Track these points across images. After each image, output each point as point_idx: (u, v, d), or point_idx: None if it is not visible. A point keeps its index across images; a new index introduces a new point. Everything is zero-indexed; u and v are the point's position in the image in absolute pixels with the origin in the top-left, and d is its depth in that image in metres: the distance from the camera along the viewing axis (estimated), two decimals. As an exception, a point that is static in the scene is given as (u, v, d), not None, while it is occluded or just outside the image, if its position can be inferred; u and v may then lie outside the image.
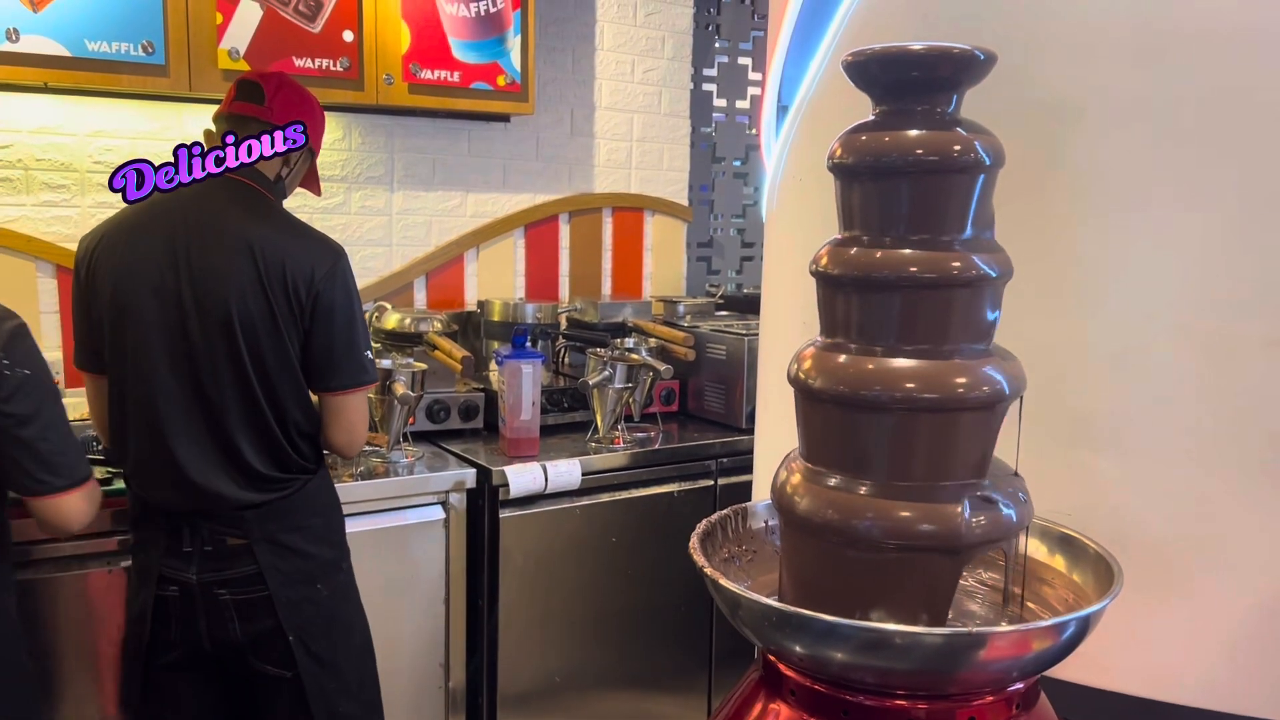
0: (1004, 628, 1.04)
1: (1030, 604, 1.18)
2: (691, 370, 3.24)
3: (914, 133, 1.01)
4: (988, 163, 1.01)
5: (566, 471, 2.74)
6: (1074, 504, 1.26)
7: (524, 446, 2.78)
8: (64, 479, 1.82)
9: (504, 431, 2.80)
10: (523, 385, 2.76)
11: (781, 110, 1.72)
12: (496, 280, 3.57)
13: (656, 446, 2.96)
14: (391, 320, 3.02)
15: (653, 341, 3.20)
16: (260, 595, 2.02)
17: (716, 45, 3.98)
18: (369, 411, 2.25)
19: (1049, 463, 1.25)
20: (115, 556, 2.22)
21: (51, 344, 2.84)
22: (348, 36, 2.80)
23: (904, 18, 1.46)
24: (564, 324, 3.46)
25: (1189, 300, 1.26)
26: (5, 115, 2.74)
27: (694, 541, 1.15)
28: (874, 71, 1.04)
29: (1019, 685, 1.04)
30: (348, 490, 2.42)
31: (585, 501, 2.82)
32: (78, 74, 2.50)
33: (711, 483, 3.02)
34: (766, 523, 1.28)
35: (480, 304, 3.41)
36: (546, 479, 2.71)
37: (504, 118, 3.42)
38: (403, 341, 2.99)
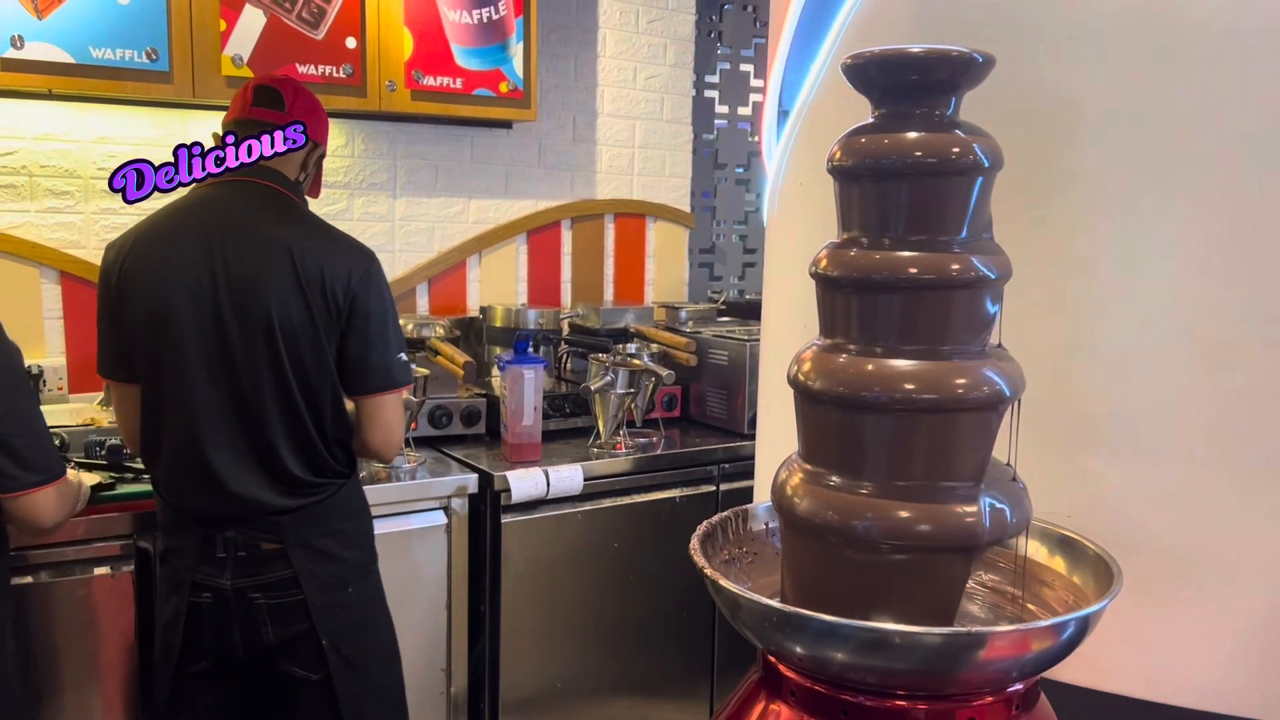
0: (1003, 627, 1.05)
1: (1030, 605, 1.18)
2: (693, 376, 3.25)
3: (913, 135, 1.02)
4: (986, 165, 1.01)
5: (568, 477, 2.75)
6: (1074, 506, 1.26)
7: (526, 452, 2.78)
8: (37, 474, 1.81)
9: (506, 437, 2.80)
10: (525, 390, 2.77)
11: (782, 115, 1.72)
12: (499, 286, 3.58)
13: (658, 452, 2.97)
14: (394, 326, 3.03)
15: (655, 347, 3.20)
16: (294, 599, 2.03)
17: (718, 52, 3.99)
18: (404, 413, 2.26)
19: (1049, 465, 1.25)
20: (119, 561, 2.23)
21: (55, 349, 2.85)
22: (351, 43, 2.81)
23: (903, 22, 1.47)
24: (566, 330, 3.47)
25: (1189, 302, 1.26)
26: (10, 122, 2.75)
27: (694, 543, 1.16)
28: (873, 74, 1.04)
29: (1019, 686, 1.05)
30: (350, 495, 2.42)
31: (587, 507, 2.82)
32: (82, 81, 2.51)
33: (714, 488, 3.02)
34: (767, 525, 1.29)
35: (482, 310, 3.41)
36: (548, 484, 2.71)
37: (506, 124, 3.43)
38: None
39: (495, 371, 3.00)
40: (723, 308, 3.76)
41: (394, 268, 3.34)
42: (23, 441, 1.79)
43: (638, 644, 2.96)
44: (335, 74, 2.80)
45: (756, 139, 4.10)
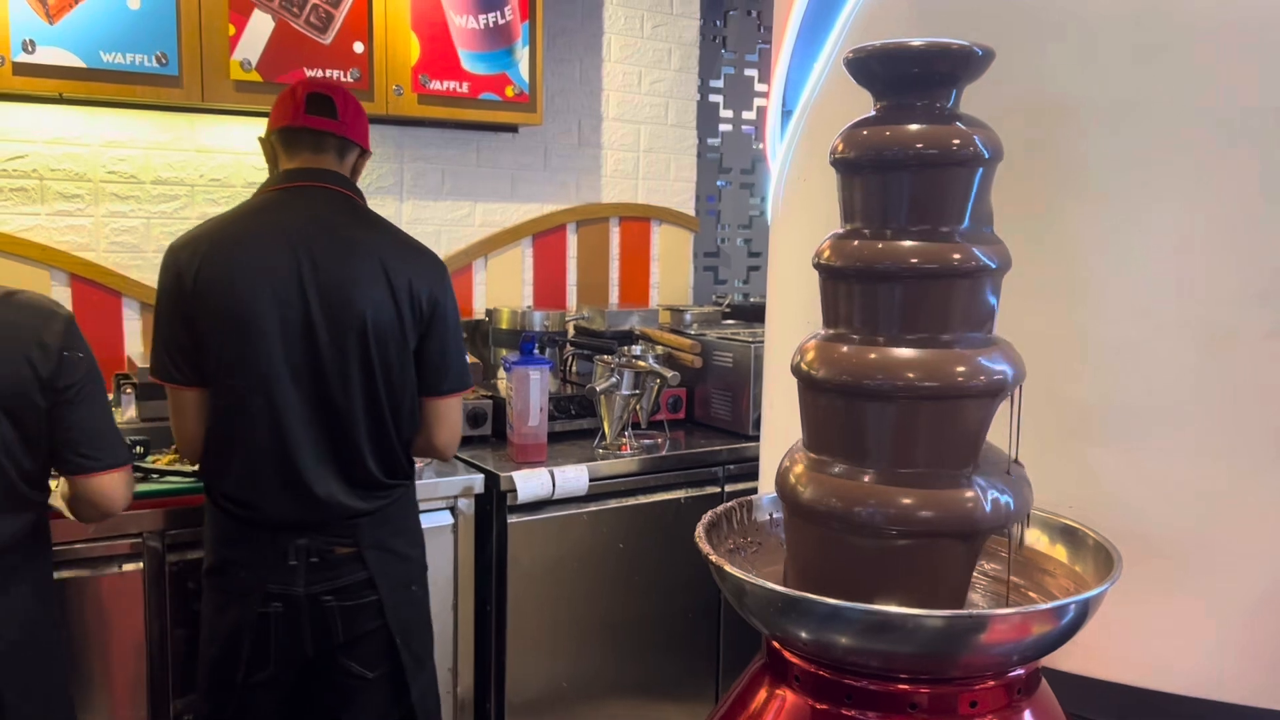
0: (1004, 610, 1.06)
1: (1032, 594, 1.19)
2: (699, 377, 3.26)
3: (914, 127, 1.03)
4: (986, 156, 1.03)
5: (574, 477, 2.76)
6: (1074, 496, 1.27)
7: (532, 452, 2.80)
8: (111, 458, 1.85)
9: (512, 438, 2.82)
10: (531, 391, 2.78)
11: (786, 114, 1.74)
12: (505, 289, 3.60)
13: (664, 453, 2.98)
14: (401, 328, 3.04)
15: (660, 349, 3.22)
16: (369, 601, 2.06)
17: (723, 57, 4.01)
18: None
19: (1049, 455, 1.27)
20: (128, 559, 2.24)
21: (65, 351, 2.87)
22: (358, 48, 2.84)
23: (905, 20, 1.49)
24: (571, 332, 3.49)
25: (1189, 293, 1.27)
26: (21, 125, 2.78)
27: (699, 530, 1.17)
28: (874, 67, 1.06)
29: (1020, 671, 1.06)
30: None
31: (593, 507, 2.83)
32: (92, 85, 2.54)
33: (718, 489, 3.04)
34: (771, 515, 1.30)
35: (488, 312, 3.43)
36: (554, 485, 2.72)
37: (512, 128, 3.46)
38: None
39: (501, 373, 3.02)
40: (727, 311, 3.77)
41: (401, 271, 3.36)
42: (101, 426, 1.84)
43: (643, 645, 2.97)
44: (343, 78, 2.82)
45: (761, 146, 4.12)
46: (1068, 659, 1.25)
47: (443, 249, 3.44)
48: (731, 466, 3.05)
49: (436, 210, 3.42)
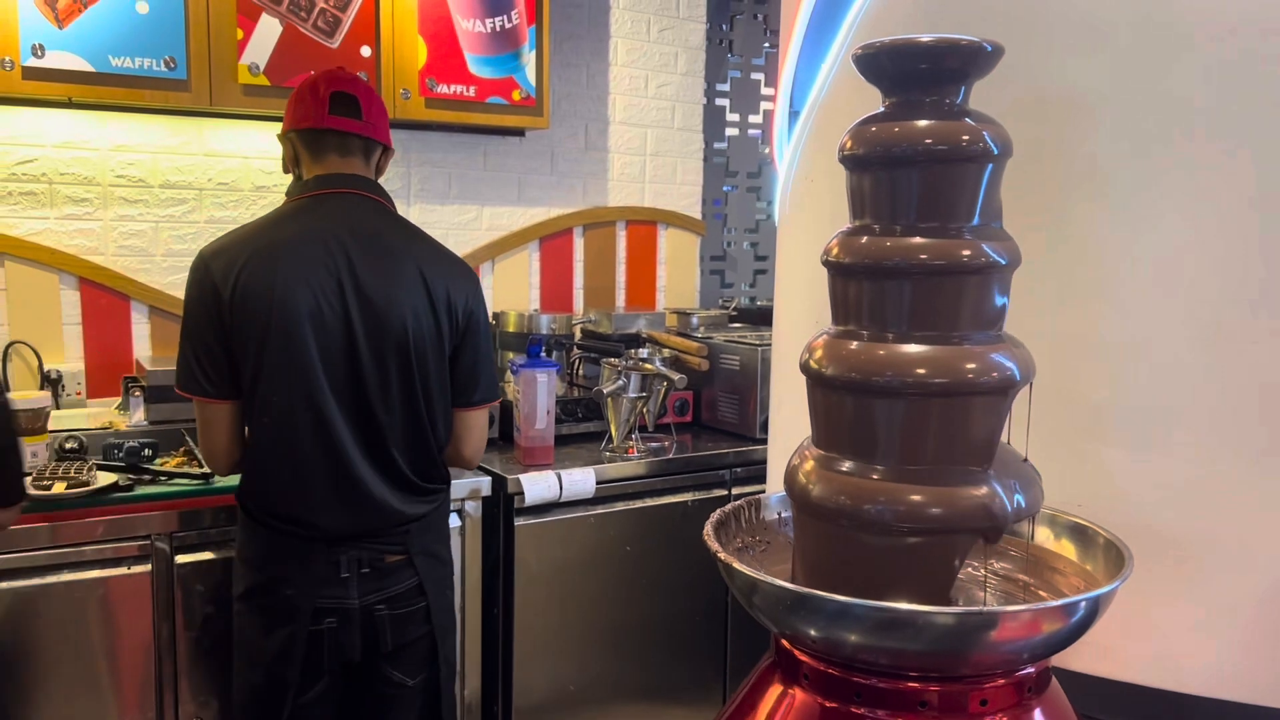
0: (1015, 607, 1.05)
1: (1042, 592, 1.19)
2: (705, 380, 3.26)
3: (923, 123, 1.03)
4: (996, 152, 1.03)
5: (581, 480, 2.76)
6: (1085, 495, 1.27)
7: (539, 455, 2.80)
8: None
9: (519, 440, 2.82)
10: (538, 394, 2.78)
11: (793, 115, 1.74)
12: (512, 292, 3.60)
13: (670, 456, 2.98)
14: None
15: (667, 352, 3.21)
16: (418, 607, 2.07)
17: (729, 60, 4.01)
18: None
19: (1060, 454, 1.26)
20: (136, 560, 2.24)
21: (74, 355, 2.88)
22: (365, 52, 2.84)
23: (912, 20, 1.49)
24: (578, 335, 3.49)
25: (1200, 291, 1.27)
26: (30, 129, 2.79)
27: (708, 529, 1.17)
28: (883, 64, 1.06)
29: (1030, 669, 1.06)
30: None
31: (600, 510, 2.83)
32: (101, 89, 2.55)
33: (725, 492, 3.03)
34: (779, 514, 1.30)
35: (496, 315, 3.43)
36: (561, 488, 2.72)
37: (519, 132, 3.46)
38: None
39: (509, 376, 3.02)
40: (734, 314, 3.77)
41: (408, 274, 3.36)
42: None
43: (650, 647, 2.97)
44: (350, 82, 2.82)
45: (768, 150, 4.12)
46: (1078, 658, 1.25)
47: (450, 252, 3.44)
48: (738, 469, 3.05)
49: (444, 214, 3.42)
